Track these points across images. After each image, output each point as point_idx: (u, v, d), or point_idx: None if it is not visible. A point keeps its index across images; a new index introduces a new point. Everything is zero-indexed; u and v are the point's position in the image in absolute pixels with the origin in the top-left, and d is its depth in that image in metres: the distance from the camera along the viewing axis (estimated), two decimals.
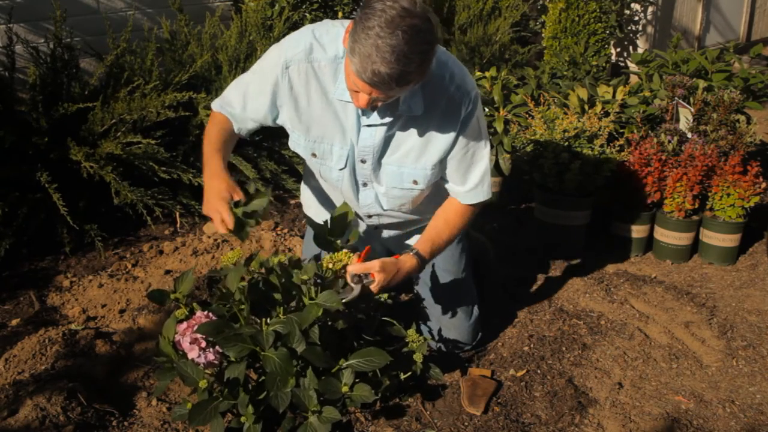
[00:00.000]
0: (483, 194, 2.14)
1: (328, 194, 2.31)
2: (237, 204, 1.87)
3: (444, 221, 2.16)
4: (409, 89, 1.82)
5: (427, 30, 1.67)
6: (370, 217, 2.26)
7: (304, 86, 1.97)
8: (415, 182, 2.10)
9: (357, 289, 1.93)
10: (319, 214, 2.35)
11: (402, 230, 2.39)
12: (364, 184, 2.15)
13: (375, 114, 1.97)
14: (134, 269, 2.94)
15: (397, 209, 2.21)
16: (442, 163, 2.07)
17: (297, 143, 2.10)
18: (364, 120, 1.99)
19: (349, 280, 1.95)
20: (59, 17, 3.09)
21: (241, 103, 2.05)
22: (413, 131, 2.02)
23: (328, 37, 1.93)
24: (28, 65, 3.14)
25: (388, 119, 1.98)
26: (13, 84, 3.10)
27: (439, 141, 2.02)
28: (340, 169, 2.09)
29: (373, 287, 1.96)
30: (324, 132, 2.04)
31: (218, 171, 1.93)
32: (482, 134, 2.07)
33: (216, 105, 2.11)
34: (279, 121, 2.08)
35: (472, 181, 2.11)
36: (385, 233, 2.38)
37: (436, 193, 2.21)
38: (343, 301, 1.91)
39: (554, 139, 3.15)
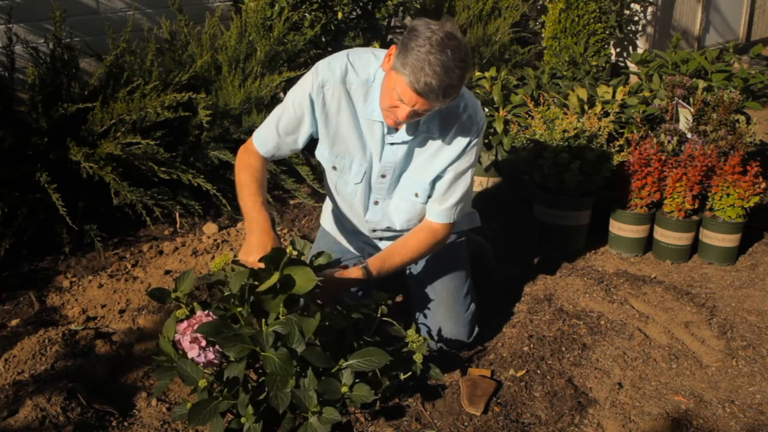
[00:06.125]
0: (452, 216, 2.30)
1: (344, 213, 2.45)
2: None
3: (402, 244, 2.29)
4: (446, 103, 2.00)
5: (465, 51, 1.94)
6: (374, 231, 2.44)
7: (336, 105, 2.16)
8: (416, 195, 2.28)
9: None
10: (333, 230, 2.60)
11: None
12: (375, 203, 2.34)
13: (398, 133, 2.18)
14: (134, 269, 2.94)
15: (401, 225, 2.37)
16: (439, 179, 2.25)
17: (321, 154, 2.29)
18: (389, 138, 2.20)
19: None
20: (59, 17, 3.09)
21: (283, 136, 2.22)
22: (425, 149, 2.23)
23: (361, 62, 2.15)
24: (27, 65, 3.14)
25: (408, 138, 2.19)
26: (13, 84, 3.10)
27: (441, 160, 2.23)
28: (356, 184, 2.29)
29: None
30: (347, 148, 2.23)
31: (268, 228, 2.04)
32: (473, 162, 2.27)
33: (257, 144, 2.25)
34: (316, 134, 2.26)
35: (450, 201, 2.27)
36: (382, 244, 2.50)
37: None
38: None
39: (554, 139, 3.14)
